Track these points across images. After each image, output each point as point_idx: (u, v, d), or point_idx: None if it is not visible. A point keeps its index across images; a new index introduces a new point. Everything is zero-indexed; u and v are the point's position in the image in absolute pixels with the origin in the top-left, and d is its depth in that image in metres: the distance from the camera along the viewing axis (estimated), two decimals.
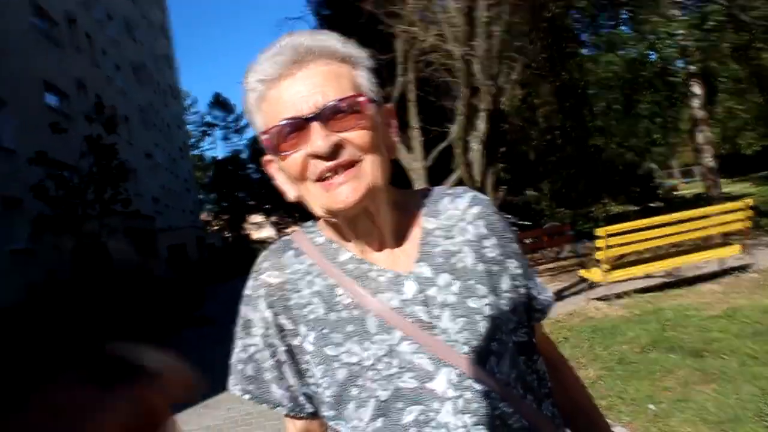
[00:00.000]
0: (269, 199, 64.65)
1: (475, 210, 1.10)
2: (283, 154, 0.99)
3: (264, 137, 1.00)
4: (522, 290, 1.08)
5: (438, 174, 11.02)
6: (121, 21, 37.25)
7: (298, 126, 0.95)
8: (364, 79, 1.02)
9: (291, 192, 1.07)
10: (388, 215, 1.05)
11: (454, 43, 9.21)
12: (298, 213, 63.60)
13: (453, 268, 1.02)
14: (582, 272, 9.11)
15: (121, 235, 20.75)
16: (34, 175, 15.41)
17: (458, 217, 1.09)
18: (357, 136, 0.96)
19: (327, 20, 20.25)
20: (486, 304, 1.00)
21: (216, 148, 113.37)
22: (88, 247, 17.21)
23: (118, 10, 36.41)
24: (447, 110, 11.60)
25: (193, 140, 71.49)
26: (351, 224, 1.03)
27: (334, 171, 0.95)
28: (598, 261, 8.28)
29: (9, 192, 16.98)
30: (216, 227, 68.76)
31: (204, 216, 67.34)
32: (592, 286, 8.89)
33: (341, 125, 0.96)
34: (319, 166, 0.95)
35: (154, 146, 41.19)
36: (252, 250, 44.72)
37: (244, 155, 68.09)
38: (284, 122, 0.96)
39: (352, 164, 0.96)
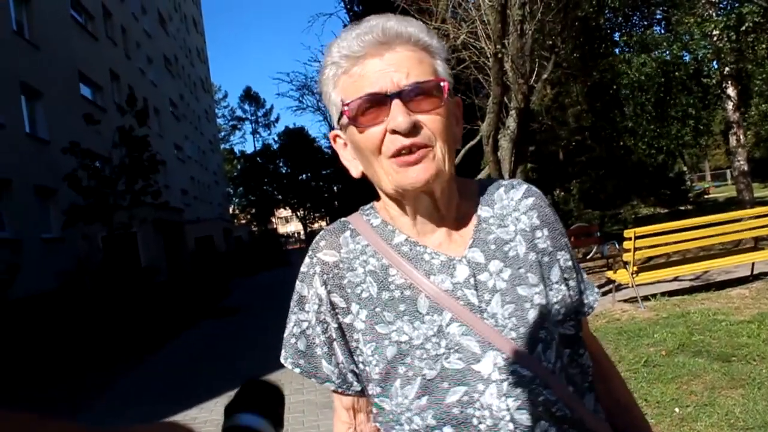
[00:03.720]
0: (297, 194, 65.02)
1: (530, 201, 1.12)
2: (361, 127, 1.01)
3: (344, 108, 1.02)
4: (571, 283, 1.10)
5: (466, 171, 10.99)
6: (155, 14, 37.68)
7: (380, 101, 0.98)
8: (442, 68, 1.05)
9: (355, 168, 1.10)
10: (449, 200, 1.07)
11: (486, 41, 9.18)
12: (324, 208, 64.15)
13: (505, 255, 1.05)
14: (609, 274, 9.04)
15: (150, 226, 21.00)
16: (67, 166, 15.63)
17: (512, 207, 1.11)
18: (433, 120, 0.99)
19: (359, 17, 20.19)
20: (536, 293, 1.01)
21: (245, 142, 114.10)
22: (119, 237, 17.45)
23: (152, 3, 36.82)
24: (477, 108, 11.58)
25: (222, 134, 72.07)
26: (414, 203, 1.05)
27: (409, 150, 0.98)
28: (625, 263, 8.21)
29: (43, 182, 17.28)
30: (243, 221, 69.25)
31: (231, 209, 67.79)
32: (619, 288, 8.83)
33: (420, 107, 0.98)
34: (397, 142, 0.98)
35: (184, 139, 41.59)
36: (278, 244, 44.98)
37: (273, 149, 68.39)
38: (367, 96, 0.99)
39: (426, 146, 0.98)
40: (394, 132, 0.97)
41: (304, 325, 1.10)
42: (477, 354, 0.96)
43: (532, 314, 0.99)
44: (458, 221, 1.09)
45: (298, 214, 69.04)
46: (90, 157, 16.50)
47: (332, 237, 1.12)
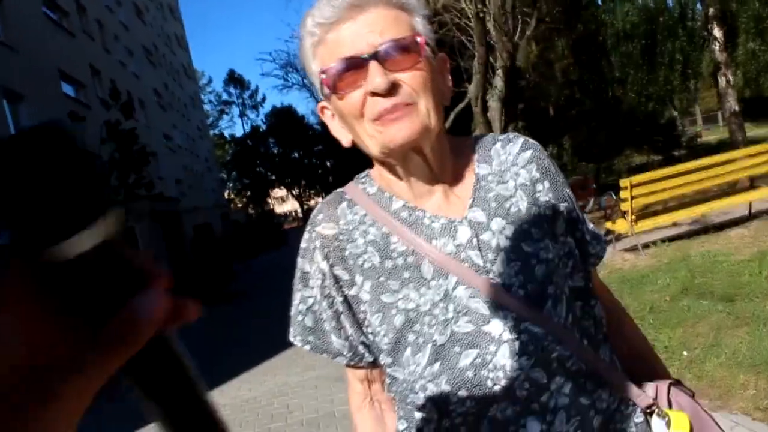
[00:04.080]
0: (290, 173, 64.86)
1: (527, 154, 1.10)
2: (340, 93, 0.99)
3: (322, 77, 1.00)
4: (577, 234, 1.09)
5: (458, 134, 10.95)
6: (130, 5, 37.22)
7: (357, 65, 0.96)
8: (420, 25, 1.02)
9: (345, 138, 1.08)
10: (442, 158, 1.05)
11: (466, 1, 9.10)
12: (319, 185, 64.07)
13: (506, 212, 1.03)
14: (608, 224, 9.06)
15: (147, 218, 20.97)
16: None
17: (510, 161, 1.09)
18: (413, 76, 0.97)
19: None
20: (541, 248, 1.00)
21: (234, 125, 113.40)
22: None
23: None
24: (463, 70, 11.50)
25: (210, 119, 71.62)
26: (405, 164, 1.03)
27: (391, 110, 0.96)
28: (623, 212, 8.22)
29: None
30: (240, 204, 69.18)
31: (227, 194, 67.67)
32: (619, 237, 8.86)
33: (399, 65, 0.96)
34: (378, 104, 0.96)
35: (173, 128, 41.35)
36: (276, 224, 44.97)
37: (262, 130, 68.09)
38: (343, 61, 0.97)
39: (407, 104, 0.96)
40: (374, 94, 0.96)
41: (310, 301, 1.09)
42: (486, 315, 0.95)
43: (539, 270, 0.98)
44: (456, 181, 1.07)
45: (294, 192, 68.95)
46: None
47: (329, 209, 1.10)
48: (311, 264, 1.08)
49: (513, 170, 1.08)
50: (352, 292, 1.04)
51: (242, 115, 73.17)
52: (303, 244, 1.11)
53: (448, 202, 1.05)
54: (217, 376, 7.17)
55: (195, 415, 0.43)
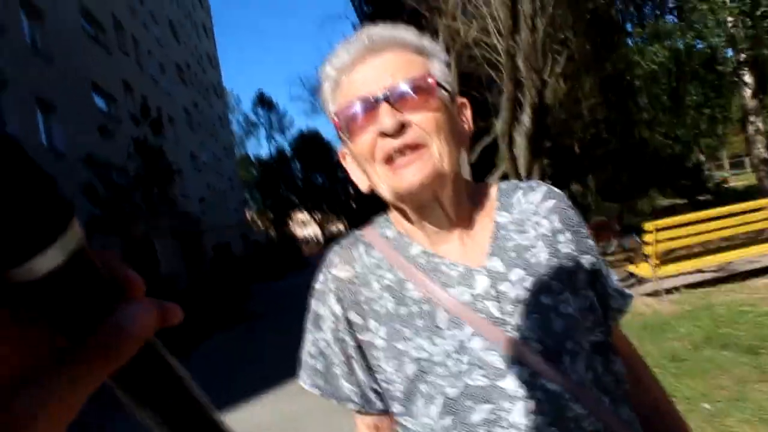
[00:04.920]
0: (313, 197, 65.21)
1: (550, 204, 1.07)
2: (353, 135, 0.99)
3: (336, 119, 1.01)
4: (598, 287, 1.05)
5: (483, 169, 10.95)
6: (166, 23, 37.94)
7: (368, 107, 0.96)
8: (436, 68, 1.02)
9: (363, 183, 1.07)
10: (458, 205, 1.03)
11: (497, 37, 9.13)
12: (342, 210, 64.30)
13: (526, 263, 0.99)
14: (630, 267, 8.95)
15: (169, 234, 21.14)
16: (84, 177, 15.76)
17: (532, 211, 1.06)
18: (424, 118, 0.96)
19: (369, 17, 20.29)
20: (561, 301, 0.97)
21: (260, 147, 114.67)
22: (138, 246, 17.58)
23: (162, 12, 37.09)
24: (491, 105, 11.53)
25: (237, 139, 72.38)
26: (420, 210, 1.01)
27: (401, 152, 0.95)
28: (646, 256, 8.12)
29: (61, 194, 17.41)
30: (261, 226, 69.56)
31: (249, 214, 68.12)
32: (641, 281, 8.74)
33: (410, 106, 0.96)
34: (387, 145, 0.95)
35: (200, 146, 41.83)
36: (296, 247, 45.13)
37: (288, 154, 68.71)
38: (354, 103, 0.97)
39: (418, 146, 0.95)
40: (384, 135, 0.95)
41: (322, 344, 1.06)
42: (501, 370, 0.91)
43: (558, 324, 0.94)
44: (474, 228, 1.05)
45: (315, 217, 69.26)
46: (106, 167, 16.64)
47: (345, 252, 1.09)
48: (324, 307, 1.06)
49: (534, 219, 1.05)
50: (365, 337, 1.02)
51: (269, 137, 73.93)
52: (317, 286, 1.09)
53: (465, 249, 1.03)
54: (237, 394, 7.20)
55: (194, 419, 0.40)
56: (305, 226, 76.72)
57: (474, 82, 12.02)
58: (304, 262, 37.58)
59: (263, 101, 72.86)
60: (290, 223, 70.87)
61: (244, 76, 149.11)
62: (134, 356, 0.34)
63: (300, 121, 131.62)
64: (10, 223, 0.28)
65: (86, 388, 0.33)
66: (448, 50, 10.54)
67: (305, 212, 69.52)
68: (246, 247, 46.21)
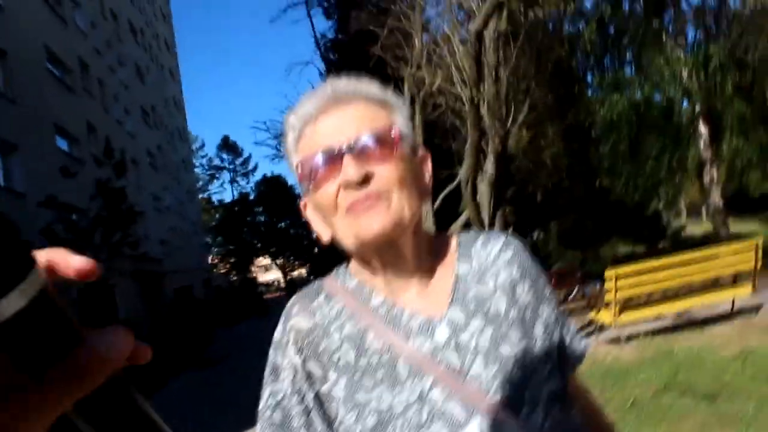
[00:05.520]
0: (276, 242, 64.76)
1: (508, 254, 1.08)
2: (316, 185, 0.99)
3: (299, 170, 1.01)
4: (555, 337, 1.06)
5: (446, 216, 11.02)
6: (133, 66, 37.80)
7: (332, 159, 0.97)
8: (400, 122, 1.03)
9: (325, 233, 1.07)
10: (419, 255, 1.04)
11: (461, 86, 9.31)
12: (304, 256, 63.94)
13: (486, 313, 1.00)
14: (591, 315, 9.04)
15: (129, 277, 20.77)
16: (43, 219, 15.49)
17: (491, 261, 1.07)
18: (387, 169, 0.97)
19: (335, 64, 20.52)
20: (519, 351, 0.97)
21: (224, 191, 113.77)
22: (96, 289, 17.22)
23: (129, 55, 36.99)
24: (455, 153, 11.68)
25: (201, 183, 71.86)
26: (379, 258, 1.02)
27: (363, 200, 0.96)
28: (607, 303, 8.22)
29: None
30: (223, 270, 68.71)
31: (211, 258, 67.28)
32: (602, 328, 8.82)
33: (373, 158, 0.97)
34: (350, 196, 0.96)
35: (163, 189, 41.38)
36: (258, 293, 44.59)
37: (251, 198, 68.38)
38: (318, 154, 0.98)
39: (380, 197, 0.96)
40: (346, 186, 0.96)
41: (279, 396, 1.02)
42: (461, 420, 0.91)
43: (516, 374, 0.95)
44: (435, 278, 1.06)
45: (278, 262, 68.70)
46: (67, 209, 16.38)
47: (305, 302, 1.08)
48: (283, 357, 1.04)
49: (493, 270, 1.06)
50: (324, 389, 1.00)
51: (233, 181, 73.59)
52: (276, 336, 1.07)
53: (426, 299, 1.03)
54: None
55: None
56: (267, 271, 75.96)
57: (439, 130, 12.19)
58: (266, 308, 37.12)
59: (228, 145, 72.70)
60: (252, 268, 70.15)
61: (209, 120, 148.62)
62: (102, 387, 0.34)
63: (264, 166, 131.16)
64: None
65: (55, 409, 0.33)
66: (413, 99, 10.69)
67: (267, 257, 68.98)
68: (207, 291, 45.55)
